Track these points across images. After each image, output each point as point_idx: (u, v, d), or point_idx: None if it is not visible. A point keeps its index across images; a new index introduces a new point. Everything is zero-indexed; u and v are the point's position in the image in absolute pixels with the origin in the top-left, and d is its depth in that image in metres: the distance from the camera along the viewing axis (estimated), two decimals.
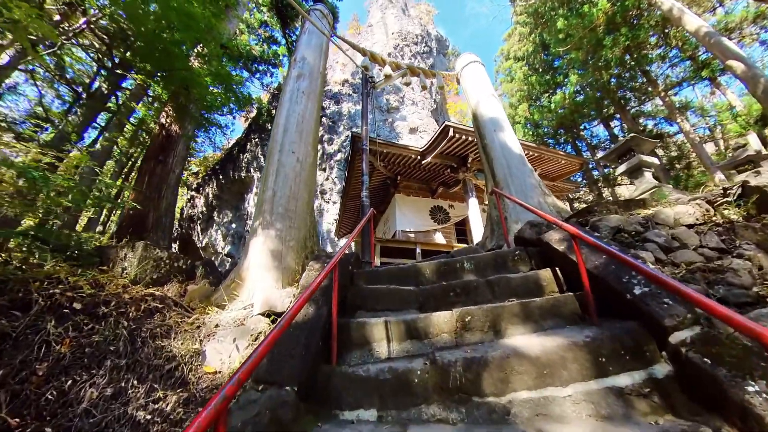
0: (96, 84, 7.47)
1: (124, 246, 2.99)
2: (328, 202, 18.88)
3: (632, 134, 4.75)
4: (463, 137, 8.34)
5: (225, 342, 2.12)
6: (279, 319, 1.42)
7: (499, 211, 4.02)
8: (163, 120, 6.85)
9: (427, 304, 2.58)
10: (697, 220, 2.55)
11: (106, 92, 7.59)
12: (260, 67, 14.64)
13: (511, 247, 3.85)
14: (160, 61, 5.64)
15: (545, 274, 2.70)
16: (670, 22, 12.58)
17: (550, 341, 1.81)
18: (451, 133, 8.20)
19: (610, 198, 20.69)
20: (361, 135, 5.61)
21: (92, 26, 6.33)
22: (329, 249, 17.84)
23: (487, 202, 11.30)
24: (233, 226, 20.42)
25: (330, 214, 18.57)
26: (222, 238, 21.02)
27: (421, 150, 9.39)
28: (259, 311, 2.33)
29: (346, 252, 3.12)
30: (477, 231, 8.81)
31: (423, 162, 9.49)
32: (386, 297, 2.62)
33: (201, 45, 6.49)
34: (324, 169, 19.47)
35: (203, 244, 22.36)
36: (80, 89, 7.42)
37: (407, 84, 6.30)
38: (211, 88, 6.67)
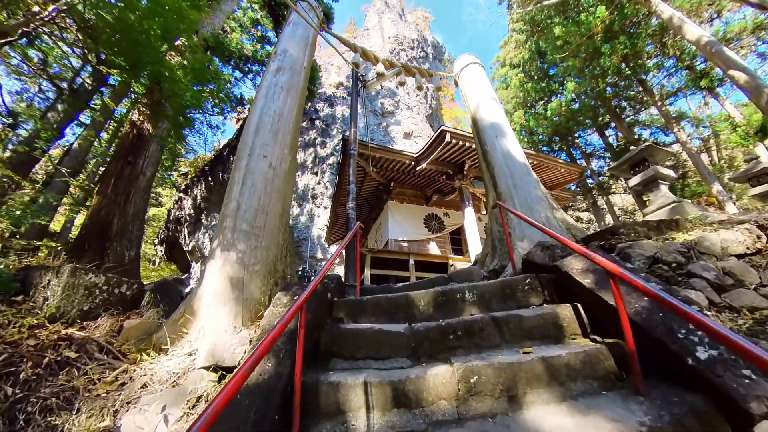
0: (80, 80, 6.93)
1: (48, 270, 2.42)
2: (319, 207, 18.33)
3: (646, 144, 4.35)
4: (460, 143, 7.90)
5: (150, 411, 1.57)
6: (220, 394, 0.91)
7: (504, 227, 3.55)
8: (134, 117, 6.26)
9: (420, 350, 2.08)
10: (747, 249, 2.10)
11: (90, 88, 7.05)
12: (253, 67, 14.14)
13: (517, 269, 3.37)
14: (129, 52, 5.09)
15: (564, 311, 2.22)
16: (668, 31, 12.46)
17: (591, 426, 1.32)
18: (447, 138, 7.76)
19: (605, 207, 20.52)
20: (350, 138, 5.11)
21: (72, 16, 5.75)
22: (320, 255, 17.25)
23: (484, 211, 10.87)
24: None
25: (321, 219, 18.03)
26: (209, 241, 20.25)
27: (415, 155, 8.93)
28: (202, 364, 1.79)
29: (324, 279, 2.60)
30: (473, 241, 8.35)
31: (417, 168, 9.03)
32: (370, 340, 2.10)
33: (180, 38, 5.96)
34: (316, 173, 18.94)
35: (190, 248, 21.56)
36: (65, 85, 6.87)
37: (401, 84, 5.83)
38: (197, 86, 6.11)
